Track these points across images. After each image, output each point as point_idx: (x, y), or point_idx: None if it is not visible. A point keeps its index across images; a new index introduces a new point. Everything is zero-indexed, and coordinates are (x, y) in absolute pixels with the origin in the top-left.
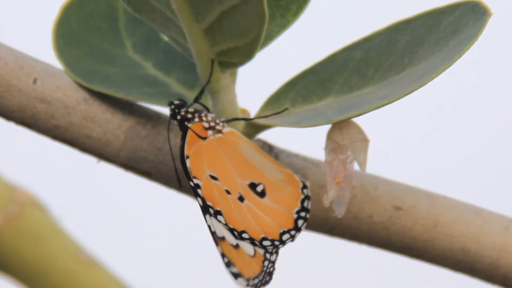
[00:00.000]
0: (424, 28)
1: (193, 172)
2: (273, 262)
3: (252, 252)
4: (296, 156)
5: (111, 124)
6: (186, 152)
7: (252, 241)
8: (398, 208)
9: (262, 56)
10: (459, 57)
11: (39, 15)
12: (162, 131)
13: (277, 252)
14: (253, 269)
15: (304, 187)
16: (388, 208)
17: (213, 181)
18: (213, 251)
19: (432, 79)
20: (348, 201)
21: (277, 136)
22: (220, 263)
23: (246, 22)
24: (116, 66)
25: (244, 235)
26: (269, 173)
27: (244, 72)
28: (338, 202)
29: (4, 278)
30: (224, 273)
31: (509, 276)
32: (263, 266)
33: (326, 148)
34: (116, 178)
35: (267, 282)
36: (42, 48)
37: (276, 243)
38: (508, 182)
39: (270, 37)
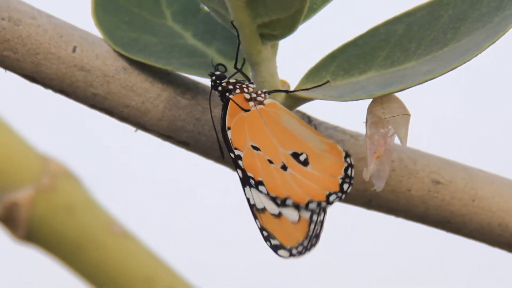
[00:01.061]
0: (467, 3)
1: (234, 143)
2: (321, 222)
3: (296, 218)
4: (335, 128)
5: (149, 94)
6: (227, 123)
7: (296, 206)
8: (436, 182)
9: (304, 29)
10: (504, 34)
11: None
12: (200, 101)
13: (325, 211)
14: (296, 237)
15: (347, 156)
16: (427, 182)
17: (255, 151)
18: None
19: (476, 55)
20: (388, 175)
21: (316, 109)
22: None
23: None
24: (155, 35)
25: (288, 202)
26: (311, 143)
27: (286, 44)
28: (378, 176)
29: (37, 250)
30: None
31: None
32: (309, 231)
33: (367, 122)
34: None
35: (313, 246)
36: (81, 16)
37: (323, 204)
38: None
39: (312, 10)
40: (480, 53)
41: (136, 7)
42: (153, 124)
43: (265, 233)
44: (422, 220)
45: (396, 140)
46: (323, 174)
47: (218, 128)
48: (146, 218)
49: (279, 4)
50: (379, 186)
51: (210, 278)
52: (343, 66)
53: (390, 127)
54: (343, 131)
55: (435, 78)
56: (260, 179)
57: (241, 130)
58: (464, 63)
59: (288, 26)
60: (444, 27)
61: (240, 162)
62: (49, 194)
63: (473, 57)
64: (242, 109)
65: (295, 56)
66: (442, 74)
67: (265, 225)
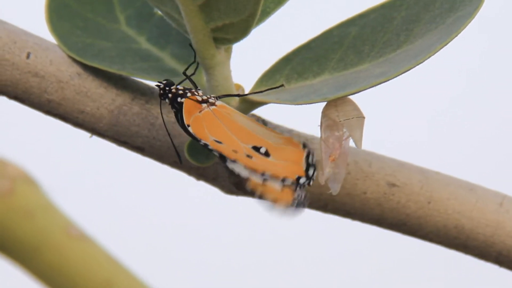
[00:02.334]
0: (420, 5)
1: (198, 136)
2: (304, 194)
3: (279, 187)
4: (290, 132)
5: (104, 99)
6: (186, 122)
7: (274, 178)
8: (392, 185)
9: (258, 32)
10: (456, 35)
11: None
12: (155, 106)
13: (301, 189)
14: (285, 198)
15: (305, 146)
16: (382, 184)
17: (218, 144)
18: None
19: (429, 57)
20: (343, 178)
21: (272, 113)
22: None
23: None
24: (110, 40)
25: (266, 175)
26: (267, 138)
27: (239, 48)
28: (334, 179)
29: None
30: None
31: (503, 253)
32: (294, 197)
33: (321, 125)
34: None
35: (301, 208)
36: (35, 22)
37: (295, 183)
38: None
39: (266, 13)
40: (433, 54)
41: (90, 13)
42: (108, 129)
43: (257, 194)
44: (378, 223)
45: (351, 143)
46: (286, 162)
47: (173, 132)
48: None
49: (232, 8)
50: (335, 189)
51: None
52: (297, 69)
53: (344, 130)
54: (298, 135)
55: (388, 80)
56: (233, 159)
57: (200, 127)
58: (418, 65)
59: (241, 29)
60: (397, 29)
61: (209, 147)
62: (7, 198)
63: (426, 59)
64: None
65: (249, 60)
66: (396, 76)
67: (255, 189)
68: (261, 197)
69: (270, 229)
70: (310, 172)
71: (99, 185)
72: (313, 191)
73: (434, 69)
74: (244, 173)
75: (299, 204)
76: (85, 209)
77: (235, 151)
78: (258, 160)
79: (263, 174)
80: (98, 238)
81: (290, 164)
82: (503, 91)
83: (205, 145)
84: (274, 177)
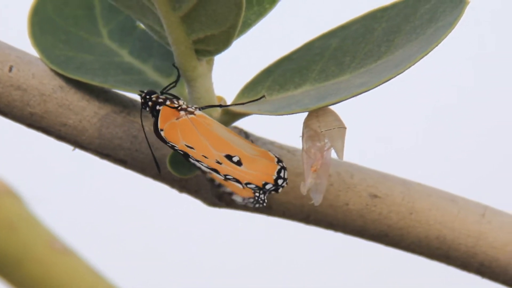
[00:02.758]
0: (401, 16)
1: (168, 139)
2: (264, 198)
3: (241, 186)
4: (272, 143)
5: (86, 112)
6: (160, 126)
7: (237, 181)
8: (373, 196)
9: (239, 44)
10: (436, 45)
11: (14, 2)
12: (137, 118)
13: (265, 194)
14: (246, 194)
15: (279, 161)
16: (364, 196)
17: (189, 148)
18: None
19: (409, 67)
20: (325, 189)
21: (253, 124)
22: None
23: (223, 10)
24: (92, 53)
25: (228, 177)
26: (243, 149)
27: (221, 60)
28: (316, 190)
29: None
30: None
31: (485, 264)
32: (255, 195)
33: (303, 136)
34: (92, 165)
35: (261, 205)
36: (17, 36)
37: (260, 188)
38: (483, 169)
39: (247, 25)
40: (413, 64)
41: (73, 27)
42: (90, 142)
43: (216, 182)
44: (360, 234)
45: (333, 153)
46: (257, 172)
47: (155, 145)
48: (88, 233)
49: (213, 20)
50: (317, 200)
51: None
52: (278, 80)
53: (326, 140)
54: (281, 146)
55: (369, 90)
56: (198, 159)
57: (174, 133)
58: (398, 75)
59: (222, 41)
60: (378, 40)
61: (175, 148)
62: None
63: (406, 69)
64: (173, 107)
65: (231, 71)
66: (376, 86)
67: (215, 179)
68: (220, 186)
69: (266, 229)
70: (280, 181)
71: (82, 194)
72: (295, 203)
73: (416, 80)
74: (205, 168)
75: (257, 203)
76: (68, 223)
77: (205, 157)
78: (226, 167)
79: (225, 176)
80: (81, 251)
81: (260, 174)
82: (487, 102)
83: (172, 147)
84: (236, 180)
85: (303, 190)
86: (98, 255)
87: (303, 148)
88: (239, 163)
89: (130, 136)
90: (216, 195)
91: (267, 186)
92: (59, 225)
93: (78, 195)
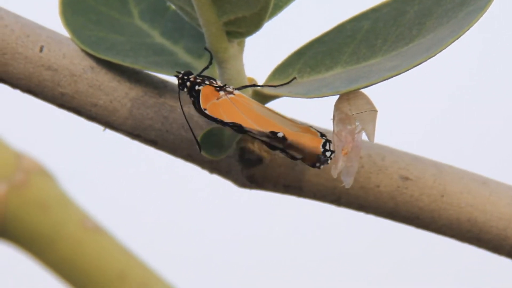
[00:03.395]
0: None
1: (214, 116)
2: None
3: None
4: (303, 125)
5: (117, 92)
6: (202, 106)
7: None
8: (405, 178)
9: (271, 26)
10: (468, 29)
11: None
12: (168, 99)
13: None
14: (315, 147)
15: (323, 134)
16: (395, 178)
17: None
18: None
19: (440, 51)
20: (356, 172)
21: (284, 106)
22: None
23: None
24: (123, 34)
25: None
26: (285, 125)
27: (252, 42)
28: (346, 173)
29: (10, 246)
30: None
31: None
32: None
33: (334, 118)
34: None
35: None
36: (48, 15)
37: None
38: None
39: (278, 7)
40: (445, 48)
41: (104, 7)
42: (121, 123)
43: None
44: (391, 216)
45: (364, 137)
46: (304, 145)
47: (183, 123)
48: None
49: (244, 1)
50: (347, 182)
51: (187, 273)
52: (309, 63)
53: (357, 123)
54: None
55: (400, 74)
56: (252, 128)
57: (217, 112)
58: (429, 58)
59: (254, 23)
60: (409, 23)
61: (225, 122)
62: (22, 190)
63: (438, 53)
64: (216, 87)
65: (262, 53)
66: (407, 70)
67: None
68: (290, 146)
69: (273, 227)
70: (328, 153)
71: (112, 178)
72: (327, 185)
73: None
74: (262, 137)
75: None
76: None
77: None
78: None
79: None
80: (113, 230)
81: (307, 147)
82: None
83: (222, 122)
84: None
85: (334, 173)
86: (130, 234)
87: (334, 131)
88: (284, 138)
89: (161, 117)
90: (247, 175)
91: (324, 151)
92: (91, 203)
93: (112, 174)
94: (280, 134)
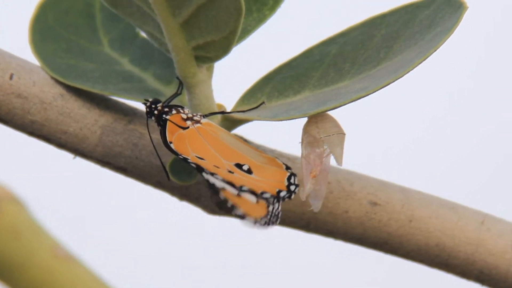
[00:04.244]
0: (400, 22)
1: (179, 151)
2: (278, 209)
3: (254, 200)
4: (272, 151)
5: (87, 120)
6: (168, 139)
7: (252, 192)
8: (373, 204)
9: (239, 51)
10: (435, 50)
11: (15, 11)
12: (138, 126)
13: (279, 203)
14: (259, 212)
15: (288, 167)
16: (364, 203)
17: (200, 160)
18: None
19: (408, 72)
20: (325, 195)
21: (254, 132)
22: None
23: (222, 16)
24: (93, 61)
25: (244, 188)
26: (251, 156)
27: (221, 67)
28: (315, 196)
29: None
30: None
31: (484, 272)
32: (268, 211)
33: (302, 142)
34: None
35: (274, 223)
36: (18, 44)
37: (275, 197)
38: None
39: (246, 31)
40: (412, 69)
41: (74, 35)
42: (91, 150)
43: (230, 203)
44: (360, 242)
45: (332, 160)
46: (269, 180)
47: (160, 151)
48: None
49: (213, 26)
50: (316, 206)
51: None
52: (278, 87)
53: (325, 146)
54: (280, 154)
55: (368, 95)
56: (212, 171)
57: (183, 144)
58: (396, 79)
59: (222, 47)
60: (377, 46)
61: (188, 160)
62: None
63: (405, 74)
64: (181, 127)
65: (231, 78)
66: (375, 91)
67: (229, 198)
68: (233, 207)
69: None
70: (292, 187)
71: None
72: (295, 211)
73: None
74: (219, 184)
75: (273, 217)
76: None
77: (217, 167)
78: (239, 176)
79: (240, 187)
80: (84, 259)
81: (272, 182)
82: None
83: (185, 159)
84: (252, 191)
85: (302, 196)
86: (102, 262)
87: (302, 154)
88: (249, 171)
89: (130, 144)
90: (216, 202)
91: (282, 194)
92: (62, 232)
93: (82, 201)
94: (245, 167)
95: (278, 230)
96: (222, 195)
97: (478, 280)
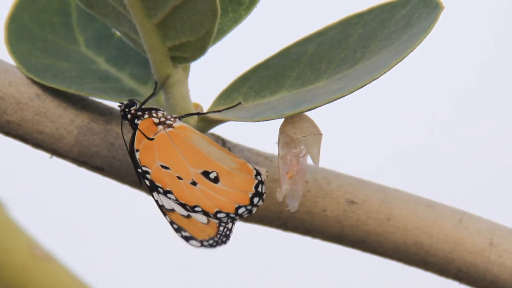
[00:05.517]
0: (377, 22)
1: (142, 162)
2: (229, 229)
3: (205, 221)
4: (249, 150)
5: (63, 120)
6: (136, 146)
7: (205, 213)
8: (351, 202)
9: (215, 51)
10: (412, 51)
11: None
12: (114, 126)
13: (233, 221)
14: (207, 233)
15: (258, 174)
16: (341, 202)
17: (163, 169)
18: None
19: (384, 72)
20: (302, 195)
21: (230, 131)
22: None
23: (198, 17)
24: (69, 61)
25: (197, 209)
26: (222, 162)
27: (197, 67)
28: (292, 196)
29: None
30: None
31: (463, 270)
32: (218, 231)
33: (279, 142)
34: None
35: (223, 243)
36: None
37: (232, 215)
38: (460, 174)
39: (222, 32)
40: (388, 70)
41: (50, 34)
42: (67, 150)
43: (175, 226)
44: (338, 240)
45: (309, 160)
46: (233, 190)
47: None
48: (70, 240)
49: (189, 26)
50: (293, 206)
51: None
52: (254, 87)
53: (302, 147)
54: (257, 153)
55: (344, 96)
56: (168, 189)
57: (150, 152)
58: (373, 80)
59: (198, 48)
60: (354, 46)
61: (148, 175)
62: None
63: (382, 75)
64: (147, 137)
65: (208, 78)
66: (351, 92)
67: (176, 221)
68: (179, 229)
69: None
70: (255, 200)
71: (61, 204)
72: (273, 209)
73: (395, 84)
74: (168, 205)
75: (222, 237)
76: (48, 229)
77: (180, 178)
78: (198, 192)
79: (194, 208)
80: (62, 258)
81: (236, 193)
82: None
83: (143, 173)
84: (205, 211)
85: (279, 196)
86: (79, 261)
87: (279, 154)
88: (216, 179)
89: (107, 144)
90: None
91: (240, 211)
92: (39, 230)
93: (59, 199)
94: (212, 175)
95: (278, 230)
96: (167, 218)
97: (456, 278)
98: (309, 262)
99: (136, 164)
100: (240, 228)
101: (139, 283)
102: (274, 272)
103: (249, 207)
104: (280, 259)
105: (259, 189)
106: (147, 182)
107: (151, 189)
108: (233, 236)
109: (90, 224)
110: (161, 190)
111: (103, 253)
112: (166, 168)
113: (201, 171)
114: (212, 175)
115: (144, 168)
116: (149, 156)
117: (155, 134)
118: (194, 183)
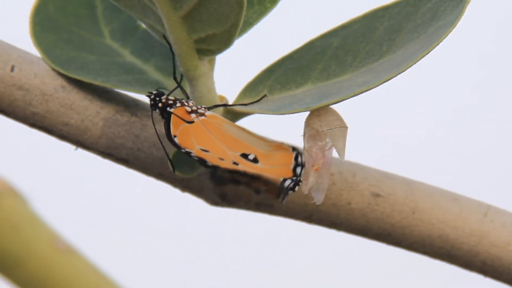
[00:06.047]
0: (402, 15)
1: (183, 145)
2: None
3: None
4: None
5: (89, 111)
6: (172, 133)
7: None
8: (376, 195)
9: (241, 43)
10: (438, 44)
11: (16, 2)
12: (140, 118)
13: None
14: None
15: (294, 148)
16: (367, 195)
17: (204, 152)
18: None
19: (410, 66)
20: (327, 188)
21: (255, 123)
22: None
23: (224, 9)
24: (94, 53)
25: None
26: (256, 146)
27: (223, 59)
28: (317, 189)
29: None
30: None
31: (488, 263)
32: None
33: (304, 135)
34: (95, 165)
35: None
36: (19, 35)
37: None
38: (485, 169)
39: (248, 24)
40: (415, 63)
41: (75, 26)
42: (92, 142)
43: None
44: (363, 233)
45: (335, 153)
46: (275, 166)
47: (154, 141)
48: (92, 233)
49: (215, 19)
50: (318, 199)
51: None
52: (280, 80)
53: (327, 139)
54: None
55: (370, 89)
56: (216, 163)
57: (187, 137)
58: (399, 73)
59: (224, 40)
60: (379, 39)
61: (191, 154)
62: None
63: (408, 68)
64: (185, 121)
65: (233, 70)
66: (377, 86)
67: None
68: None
69: (268, 228)
70: (298, 170)
71: (82, 197)
72: (298, 202)
73: (420, 78)
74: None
75: (286, 190)
76: (70, 222)
77: (221, 159)
78: (244, 167)
79: (245, 173)
80: (84, 251)
81: (278, 167)
82: (491, 101)
83: (188, 153)
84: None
85: (305, 189)
86: (101, 254)
87: (304, 147)
88: (255, 160)
89: (132, 135)
90: (219, 194)
91: (286, 183)
92: (62, 224)
93: (82, 193)
94: (251, 156)
95: (277, 230)
96: (242, 171)
97: (481, 272)
98: (309, 262)
99: (177, 146)
100: (240, 228)
101: (139, 283)
102: (274, 272)
103: (294, 178)
104: (280, 259)
105: (299, 160)
106: (196, 158)
107: (202, 163)
108: (233, 236)
109: (111, 218)
110: (209, 164)
111: (122, 247)
112: (206, 151)
113: (239, 153)
114: (250, 157)
115: (186, 150)
116: (187, 141)
117: (189, 121)
118: (236, 164)
